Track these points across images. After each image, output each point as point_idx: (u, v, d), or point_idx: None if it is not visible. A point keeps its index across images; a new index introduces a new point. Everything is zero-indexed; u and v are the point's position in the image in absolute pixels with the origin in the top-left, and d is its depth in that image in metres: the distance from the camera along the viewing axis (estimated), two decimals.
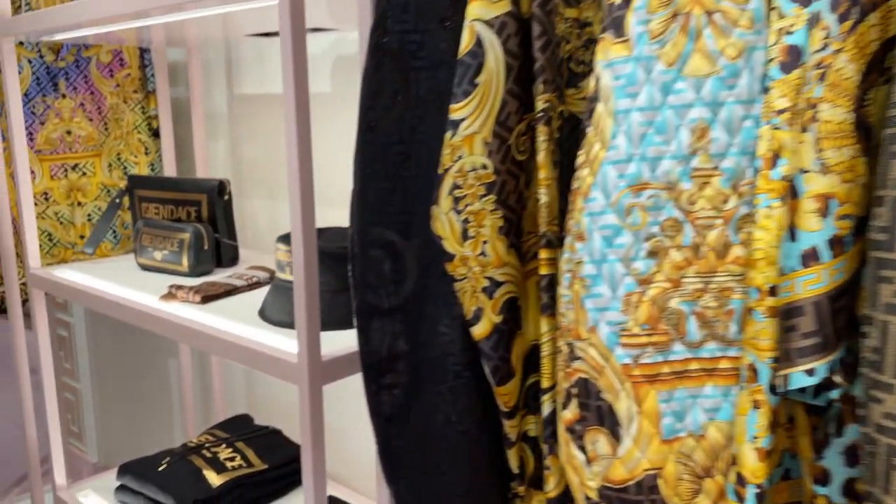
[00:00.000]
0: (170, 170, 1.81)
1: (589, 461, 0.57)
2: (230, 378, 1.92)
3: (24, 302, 1.79)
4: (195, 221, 1.47)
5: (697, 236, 0.55)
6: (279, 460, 1.52)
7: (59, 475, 1.63)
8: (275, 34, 1.53)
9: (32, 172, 1.67)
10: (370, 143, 0.70)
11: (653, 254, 0.55)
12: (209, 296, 1.22)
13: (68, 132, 1.75)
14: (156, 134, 1.84)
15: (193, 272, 1.39)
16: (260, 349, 0.99)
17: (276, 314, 1.10)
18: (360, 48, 0.75)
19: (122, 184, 1.78)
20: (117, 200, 1.56)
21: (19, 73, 1.67)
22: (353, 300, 0.74)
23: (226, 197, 1.46)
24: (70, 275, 1.45)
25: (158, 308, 1.19)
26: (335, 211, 1.52)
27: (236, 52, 1.76)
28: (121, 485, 1.50)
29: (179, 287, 1.23)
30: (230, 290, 1.26)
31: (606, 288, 0.56)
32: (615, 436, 0.57)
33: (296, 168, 0.89)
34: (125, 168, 1.81)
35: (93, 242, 1.54)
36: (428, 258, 0.69)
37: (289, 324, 1.07)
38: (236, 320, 1.12)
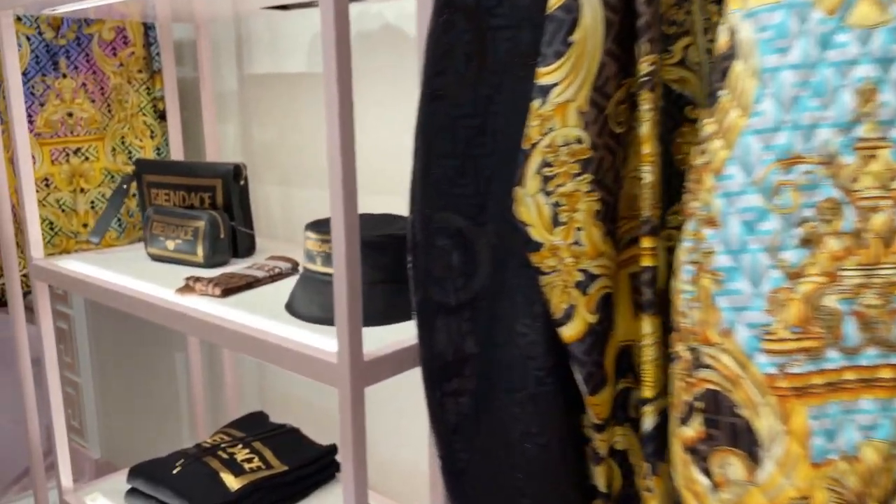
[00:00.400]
0: (177, 154, 1.71)
1: (716, 487, 0.49)
2: (241, 372, 1.82)
3: (26, 294, 1.69)
4: (209, 208, 1.37)
5: (860, 221, 0.46)
6: (299, 461, 1.43)
7: (65, 476, 1.54)
8: (291, 7, 1.42)
9: (32, 157, 1.57)
10: (436, 115, 0.60)
11: (806, 242, 0.46)
12: (230, 288, 1.12)
13: (69, 114, 1.64)
14: (162, 116, 1.73)
15: (209, 263, 1.29)
16: (294, 348, 0.90)
17: (306, 308, 1.00)
18: (417, 9, 0.66)
19: (129, 169, 1.68)
20: (124, 186, 1.46)
21: (18, 50, 1.56)
22: (413, 295, 0.65)
23: (242, 182, 1.36)
24: (75, 266, 1.36)
25: (176, 302, 1.10)
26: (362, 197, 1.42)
27: (247, 27, 1.65)
28: (132, 488, 1.41)
29: (197, 279, 1.14)
30: (251, 282, 1.16)
31: (746, 283, 0.47)
32: (753, 458, 0.48)
33: (337, 151, 0.79)
34: (130, 152, 1.71)
35: (98, 231, 1.44)
36: (504, 248, 0.60)
37: (321, 319, 0.98)
38: (261, 315, 1.03)
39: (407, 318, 0.99)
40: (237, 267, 1.29)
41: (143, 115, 1.71)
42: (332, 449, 1.48)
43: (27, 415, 1.71)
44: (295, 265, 1.25)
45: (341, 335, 0.83)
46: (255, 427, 1.55)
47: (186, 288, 1.14)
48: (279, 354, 0.92)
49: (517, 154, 0.58)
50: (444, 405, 0.64)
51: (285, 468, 1.41)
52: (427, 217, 0.62)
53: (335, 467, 1.49)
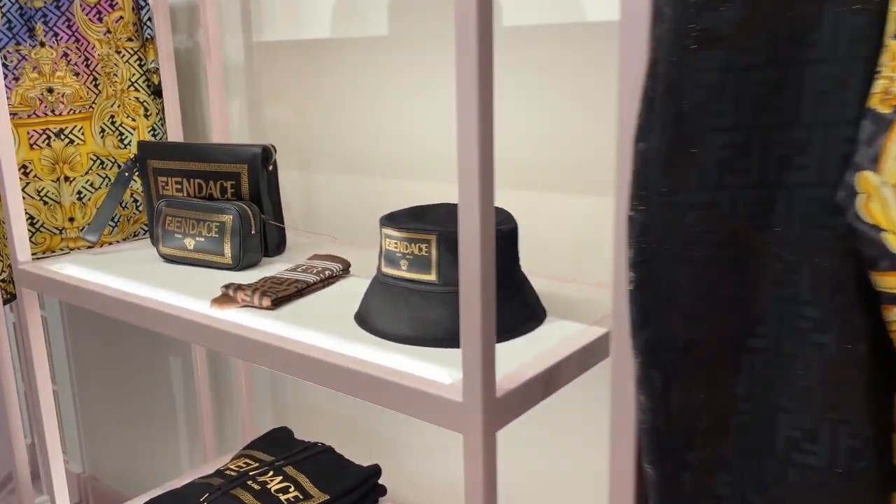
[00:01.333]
0: (174, 135, 1.47)
1: None
2: (250, 378, 1.60)
3: (6, 301, 1.44)
4: (232, 199, 1.15)
5: None
6: (342, 488, 1.23)
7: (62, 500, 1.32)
8: None
9: None
10: (703, 69, 0.41)
11: None
12: (280, 297, 0.91)
13: (49, 90, 1.39)
14: (156, 92, 1.49)
15: (239, 264, 1.07)
16: (394, 379, 0.70)
17: (391, 325, 0.80)
18: None
19: (120, 153, 1.44)
20: (126, 174, 1.22)
21: None
22: (637, 328, 0.46)
23: (270, 168, 1.14)
24: (73, 270, 1.12)
25: (221, 319, 0.88)
26: (415, 183, 1.21)
27: None
28: None
29: (239, 287, 0.92)
30: (302, 289, 0.95)
31: None
32: None
33: (474, 136, 0.59)
34: (121, 134, 1.46)
35: (96, 228, 1.21)
36: (810, 267, 0.41)
37: (412, 339, 0.78)
38: (329, 333, 0.82)
39: (513, 334, 0.79)
40: (276, 269, 1.07)
41: (135, 90, 1.47)
42: (376, 471, 1.28)
43: (12, 432, 1.47)
44: (346, 266, 1.04)
45: (471, 367, 0.63)
46: (282, 447, 1.34)
47: (225, 298, 0.92)
48: (375, 388, 0.71)
49: (842, 124, 0.39)
50: (679, 482, 0.45)
51: (326, 497, 1.21)
52: (675, 215, 0.42)
53: (379, 491, 1.29)
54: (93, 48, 1.42)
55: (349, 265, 1.05)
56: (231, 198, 1.15)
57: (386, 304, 0.81)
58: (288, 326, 0.85)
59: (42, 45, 1.37)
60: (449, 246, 0.77)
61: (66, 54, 1.40)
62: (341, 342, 0.80)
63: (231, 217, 1.07)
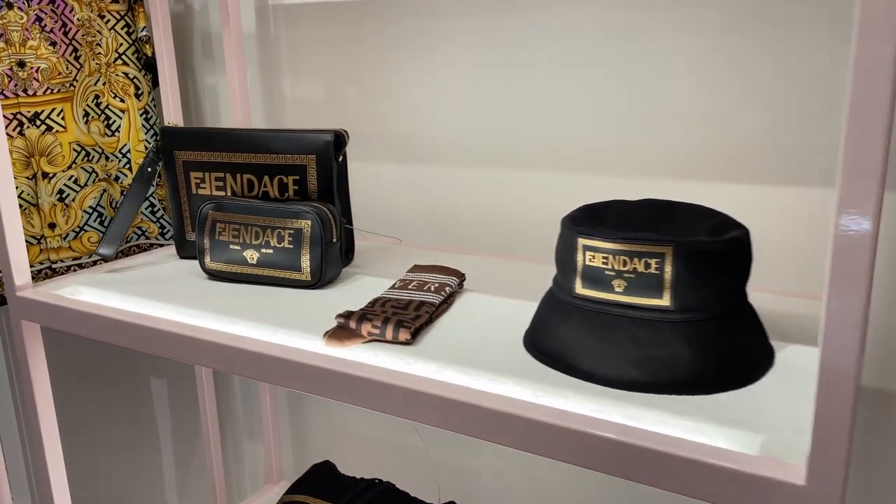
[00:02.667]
0: (173, 119, 1.20)
1: None
2: (275, 403, 1.37)
3: None
4: (296, 199, 0.91)
5: None
6: None
7: None
8: None
9: None
10: None
11: None
12: (417, 328, 0.70)
13: (20, 63, 1.09)
14: (149, 66, 1.21)
15: (319, 280, 0.84)
16: (684, 453, 0.51)
17: (606, 365, 0.60)
18: None
19: (108, 142, 1.15)
20: (149, 169, 0.96)
21: None
22: None
23: (340, 159, 0.92)
24: (91, 296, 0.86)
25: (348, 360, 0.66)
26: (469, 169, 1.01)
27: None
28: None
29: (363, 316, 0.70)
30: (432, 314, 0.74)
31: None
32: None
33: (878, 124, 0.40)
34: (108, 118, 1.18)
35: (112, 240, 0.94)
36: None
37: (638, 384, 0.59)
38: (513, 377, 0.62)
39: (758, 373, 0.62)
40: (363, 285, 0.85)
41: (123, 63, 1.19)
42: None
43: None
44: (461, 280, 0.83)
45: (828, 433, 0.45)
46: (333, 488, 1.12)
47: (344, 332, 0.70)
48: (646, 463, 0.52)
49: None
50: None
51: None
52: None
53: None
54: (71, 11, 1.13)
55: (464, 278, 0.84)
56: (293, 197, 0.91)
57: (592, 337, 0.62)
58: (449, 369, 0.64)
59: (9, 6, 1.08)
60: (689, 261, 0.59)
61: (39, 18, 1.10)
62: (540, 390, 0.60)
63: (309, 222, 0.84)
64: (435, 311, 0.75)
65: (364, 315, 0.70)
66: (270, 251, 0.85)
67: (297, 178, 0.90)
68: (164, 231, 1.22)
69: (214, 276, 0.89)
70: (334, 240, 0.86)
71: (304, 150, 0.90)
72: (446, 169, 1.08)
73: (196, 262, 0.98)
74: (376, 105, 1.12)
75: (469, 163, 1.06)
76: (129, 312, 0.80)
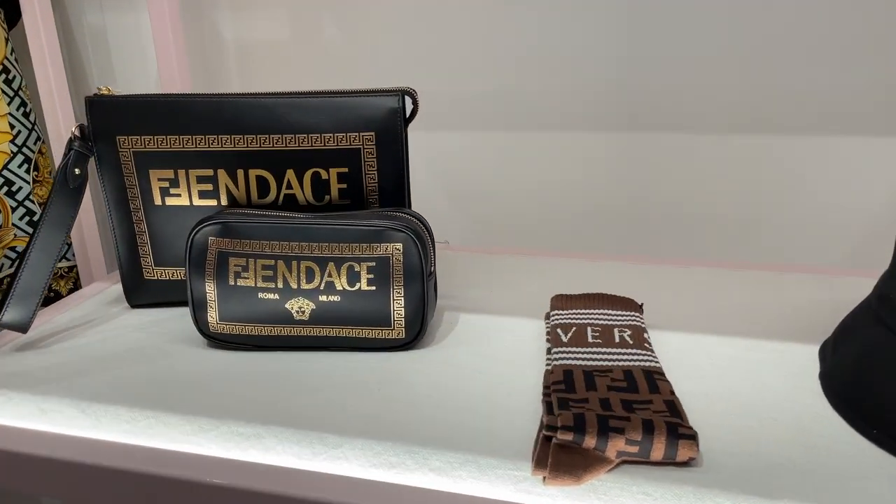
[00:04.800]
0: (54, 87, 0.78)
1: None
2: None
3: None
4: (342, 204, 0.56)
5: None
6: None
7: None
8: None
9: None
10: None
11: None
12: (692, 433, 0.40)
13: None
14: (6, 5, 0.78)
15: (415, 338, 0.52)
16: None
17: None
18: None
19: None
20: (76, 171, 0.56)
21: None
22: None
23: (405, 132, 0.58)
24: (9, 410, 0.48)
25: None
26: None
27: None
28: None
29: (604, 423, 0.39)
30: (673, 394, 0.44)
31: None
32: None
33: None
34: None
35: (25, 299, 0.54)
36: None
37: None
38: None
39: None
40: (499, 343, 0.53)
41: None
42: None
43: None
44: (640, 311, 0.54)
45: None
46: None
47: (567, 457, 0.38)
48: None
49: None
50: None
51: None
52: None
53: None
54: None
55: (642, 309, 0.55)
56: (338, 201, 0.56)
57: None
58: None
59: None
60: None
61: None
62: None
63: (401, 246, 0.50)
64: (669, 385, 0.45)
65: (603, 421, 0.39)
66: (337, 298, 0.50)
67: (346, 170, 0.55)
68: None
69: (226, 343, 0.53)
70: (432, 269, 0.53)
71: (355, 123, 0.55)
72: (462, 134, 0.77)
73: (168, 315, 0.60)
74: (365, 51, 0.77)
75: (489, 126, 0.76)
76: (96, 443, 0.44)
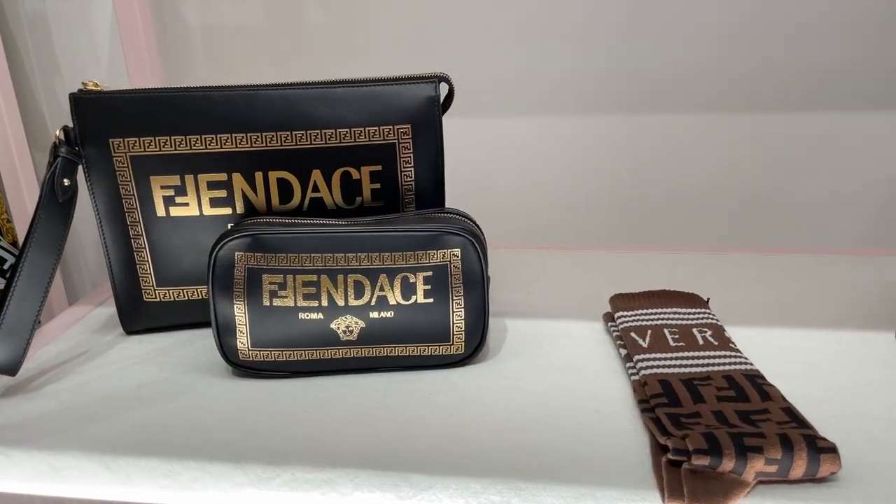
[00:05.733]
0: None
1: None
2: None
3: None
4: (377, 205, 0.50)
5: None
6: None
7: None
8: None
9: None
10: None
11: None
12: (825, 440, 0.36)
13: None
14: None
15: (474, 352, 0.46)
16: None
17: None
18: None
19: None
20: (65, 182, 0.47)
21: None
22: None
23: (441, 122, 0.52)
24: (12, 476, 0.40)
25: None
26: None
27: None
28: None
29: (739, 443, 0.35)
30: (789, 403, 0.41)
31: None
32: None
33: None
34: None
35: (13, 336, 0.46)
36: None
37: None
38: None
39: None
40: (559, 352, 0.49)
41: None
42: None
43: None
44: (707, 305, 0.50)
45: None
46: None
47: (702, 483, 0.34)
48: None
49: None
50: None
51: None
52: None
53: None
54: None
55: (708, 304, 0.51)
56: (371, 202, 0.50)
57: None
58: None
59: None
60: None
61: None
62: None
63: (459, 252, 0.44)
64: (771, 386, 0.41)
65: (737, 440, 0.35)
66: (390, 313, 0.44)
67: (380, 168, 0.49)
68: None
69: (257, 371, 0.46)
70: (489, 272, 0.48)
71: (389, 115, 0.49)
72: (481, 121, 0.72)
73: (172, 340, 0.53)
74: (354, 36, 0.71)
75: (503, 112, 0.71)
76: None
